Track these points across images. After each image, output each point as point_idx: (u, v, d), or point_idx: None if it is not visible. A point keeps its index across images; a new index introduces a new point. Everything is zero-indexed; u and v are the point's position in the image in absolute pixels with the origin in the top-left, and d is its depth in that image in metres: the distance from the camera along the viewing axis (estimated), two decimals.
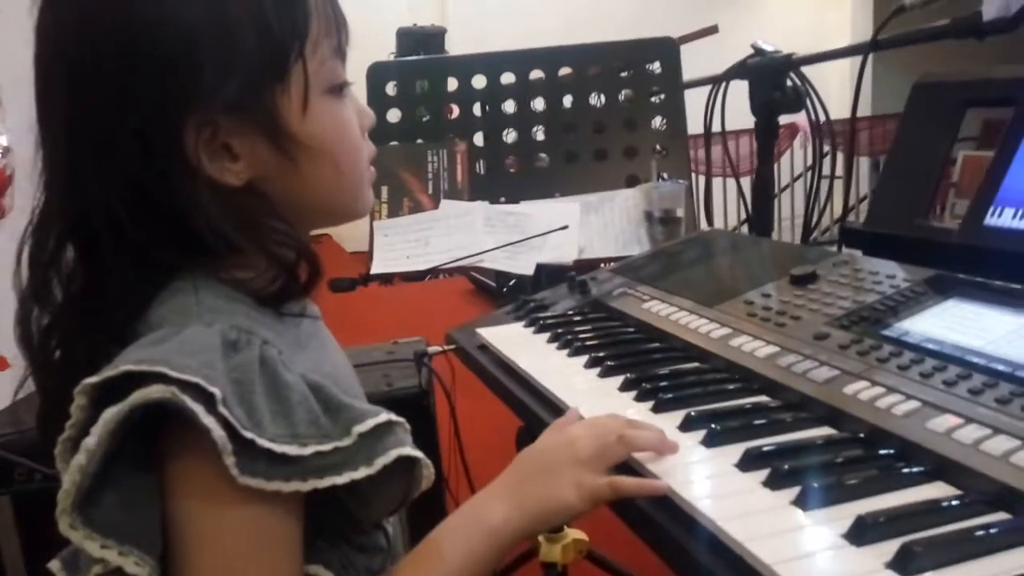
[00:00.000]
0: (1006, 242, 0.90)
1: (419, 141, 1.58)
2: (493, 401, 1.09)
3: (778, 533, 0.55)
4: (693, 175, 1.54)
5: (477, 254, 1.45)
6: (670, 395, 0.80)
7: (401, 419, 0.60)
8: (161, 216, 0.58)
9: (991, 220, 0.93)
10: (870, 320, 0.85)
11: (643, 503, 0.64)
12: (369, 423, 0.57)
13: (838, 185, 1.51)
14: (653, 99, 1.55)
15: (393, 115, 1.58)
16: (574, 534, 1.74)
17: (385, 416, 0.59)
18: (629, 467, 0.68)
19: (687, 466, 0.67)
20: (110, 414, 0.52)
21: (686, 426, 0.73)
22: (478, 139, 1.60)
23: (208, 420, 0.51)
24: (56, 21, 0.58)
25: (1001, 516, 0.54)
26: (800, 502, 0.58)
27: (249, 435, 0.52)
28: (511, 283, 1.57)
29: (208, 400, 0.51)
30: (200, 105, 0.57)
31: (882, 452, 0.65)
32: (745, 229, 1.66)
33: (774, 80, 1.31)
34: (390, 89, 1.57)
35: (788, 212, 4.79)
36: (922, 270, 0.93)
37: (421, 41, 5.31)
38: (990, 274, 0.87)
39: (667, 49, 1.53)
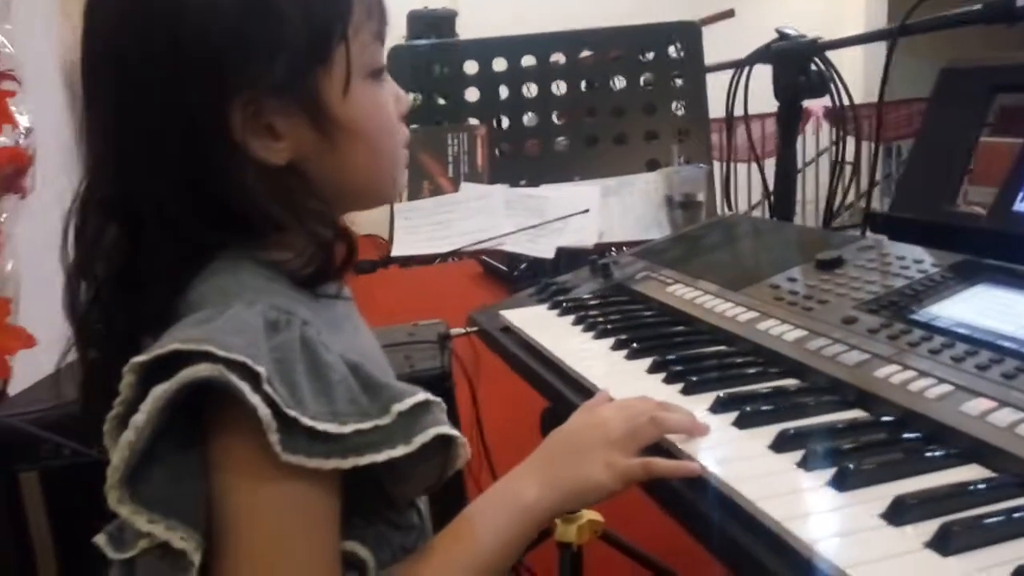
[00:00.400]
0: None
1: (439, 124, 1.58)
2: (514, 384, 1.10)
3: (815, 513, 0.56)
4: (715, 161, 1.54)
5: (498, 237, 1.46)
6: (698, 377, 0.80)
7: (437, 398, 0.61)
8: (205, 195, 0.59)
9: (1020, 206, 0.93)
10: (899, 305, 0.85)
11: (677, 483, 0.65)
12: (408, 402, 0.58)
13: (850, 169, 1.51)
14: (674, 83, 1.54)
15: (413, 98, 1.58)
16: (589, 515, 1.75)
17: (423, 395, 0.59)
18: (660, 448, 0.69)
19: (719, 447, 0.67)
20: (159, 391, 0.52)
21: (717, 408, 0.74)
22: (498, 122, 1.59)
23: (255, 398, 0.52)
24: (103, 7, 0.59)
25: None
26: (836, 483, 0.59)
27: (292, 413, 0.53)
28: (523, 267, 1.57)
29: (254, 378, 0.52)
30: (246, 86, 0.57)
31: (913, 435, 0.66)
32: (761, 211, 1.65)
33: (799, 64, 1.30)
34: (410, 72, 1.56)
35: (800, 196, 4.75)
36: (949, 255, 0.93)
37: (432, 24, 5.29)
38: (1019, 259, 0.87)
39: (689, 33, 1.53)
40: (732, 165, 1.42)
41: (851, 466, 0.59)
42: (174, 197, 0.58)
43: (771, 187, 1.32)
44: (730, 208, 1.50)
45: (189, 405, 0.55)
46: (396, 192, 0.70)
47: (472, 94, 1.59)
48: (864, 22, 5.95)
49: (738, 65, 1.47)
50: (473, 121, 1.58)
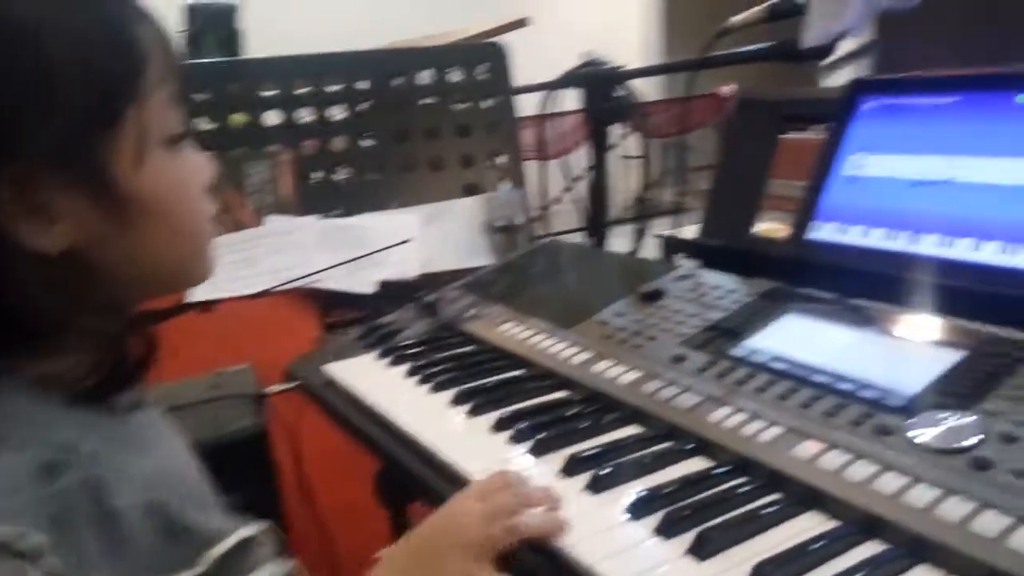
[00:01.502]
0: (826, 255, 0.98)
1: (235, 151, 1.45)
2: (342, 440, 1.03)
3: None
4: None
5: (312, 274, 1.36)
6: (546, 434, 0.79)
7: (263, 525, 0.54)
8: None
9: (812, 235, 1.01)
10: (720, 338, 0.89)
11: None
12: (224, 545, 0.51)
13: (636, 165, 1.58)
14: (484, 105, 1.52)
15: (203, 123, 1.44)
16: None
17: (244, 530, 0.52)
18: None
19: (581, 525, 0.66)
20: None
21: (571, 469, 0.72)
22: (303, 148, 1.49)
23: None
24: None
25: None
26: (696, 551, 0.59)
27: None
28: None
29: (31, 555, 0.42)
30: (13, 156, 0.47)
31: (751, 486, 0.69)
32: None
33: (605, 91, 1.34)
34: (198, 95, 1.42)
35: (579, 196, 4.98)
36: (757, 282, 0.99)
37: (211, 18, 4.92)
38: (816, 285, 0.95)
39: (495, 54, 1.52)
40: (547, 187, 1.44)
41: (711, 534, 0.60)
42: None
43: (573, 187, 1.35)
44: (547, 233, 1.52)
45: None
46: (205, 274, 0.61)
47: (273, 117, 1.47)
48: (642, 36, 6.36)
49: (546, 88, 1.48)
50: (275, 147, 1.46)
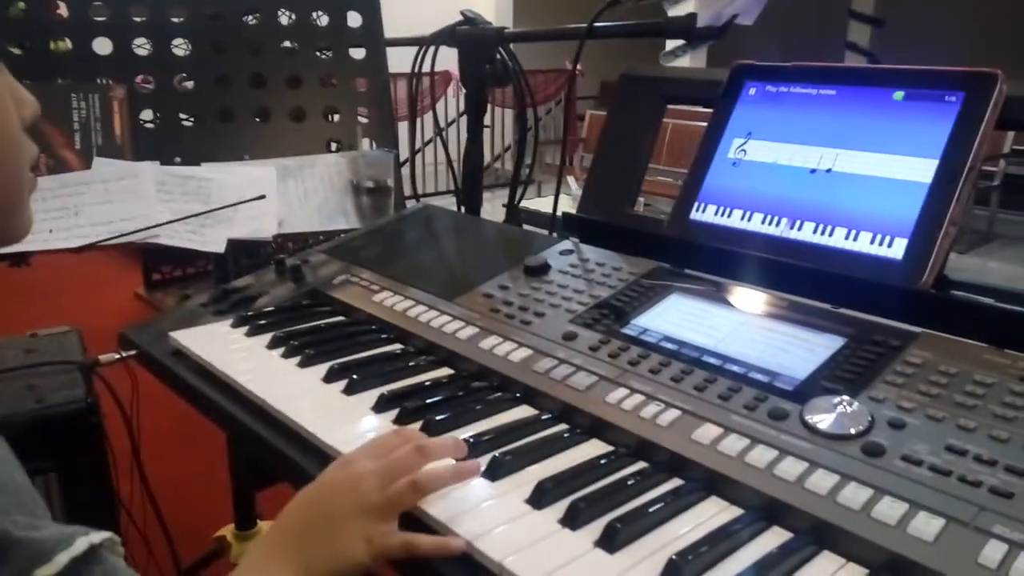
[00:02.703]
0: (709, 236, 0.99)
1: (60, 81, 1.25)
2: (176, 411, 0.92)
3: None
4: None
5: (150, 228, 1.20)
6: (438, 416, 0.73)
7: (107, 534, 0.45)
8: None
9: (696, 215, 1.01)
10: (609, 317, 0.87)
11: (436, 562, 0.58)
12: (60, 559, 0.42)
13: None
14: (352, 56, 1.41)
15: (17, 47, 1.22)
16: (268, 527, 1.61)
17: (83, 543, 0.43)
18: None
19: (477, 509, 0.62)
20: None
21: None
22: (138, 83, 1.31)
23: None
24: None
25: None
26: (605, 544, 0.57)
27: None
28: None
29: None
30: None
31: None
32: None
33: (485, 53, 1.28)
34: (12, 11, 1.20)
35: (439, 158, 4.94)
36: (641, 261, 0.98)
37: None
38: (698, 266, 0.96)
39: (367, 2, 1.40)
40: (431, 153, 1.35)
41: (619, 525, 0.57)
42: None
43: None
44: (416, 197, 1.45)
45: None
46: (22, 228, 0.51)
47: (103, 45, 1.28)
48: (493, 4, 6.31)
49: (421, 43, 1.40)
50: (105, 81, 1.27)
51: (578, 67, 1.29)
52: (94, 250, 1.21)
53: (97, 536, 0.44)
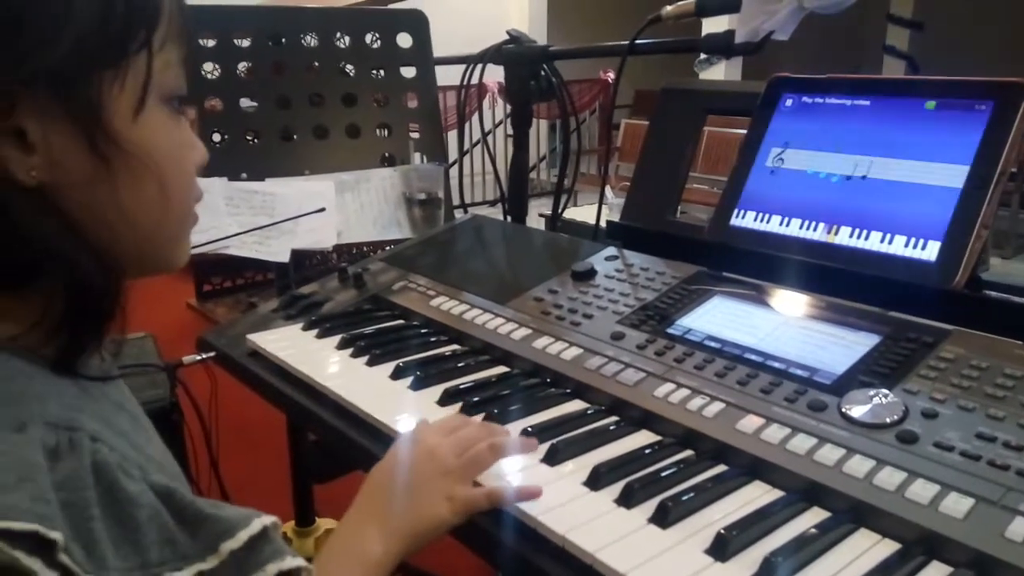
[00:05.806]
0: (749, 241, 1.04)
1: None
2: (252, 411, 0.99)
3: (640, 551, 0.59)
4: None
5: (221, 239, 1.29)
6: (497, 409, 0.79)
7: (272, 518, 0.51)
8: None
9: (736, 221, 1.06)
10: (655, 318, 0.93)
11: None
12: (241, 536, 0.46)
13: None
14: (403, 75, 1.49)
15: None
16: (326, 524, 1.69)
17: (258, 523, 0.48)
18: None
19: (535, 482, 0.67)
20: None
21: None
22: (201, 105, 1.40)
23: None
24: None
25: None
26: (658, 520, 0.62)
27: None
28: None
29: (48, 548, 0.38)
30: (14, 67, 0.43)
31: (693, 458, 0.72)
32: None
33: (530, 69, 1.34)
34: None
35: (480, 168, 5.05)
36: (683, 266, 1.04)
37: None
38: (738, 269, 1.01)
39: (418, 23, 1.48)
40: (469, 164, 1.43)
41: (670, 504, 0.63)
42: None
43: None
44: (463, 207, 1.52)
45: None
46: (180, 258, 0.56)
47: None
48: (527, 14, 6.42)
49: (469, 61, 1.47)
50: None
51: (611, 76, 1.34)
52: None
53: (268, 519, 0.49)
